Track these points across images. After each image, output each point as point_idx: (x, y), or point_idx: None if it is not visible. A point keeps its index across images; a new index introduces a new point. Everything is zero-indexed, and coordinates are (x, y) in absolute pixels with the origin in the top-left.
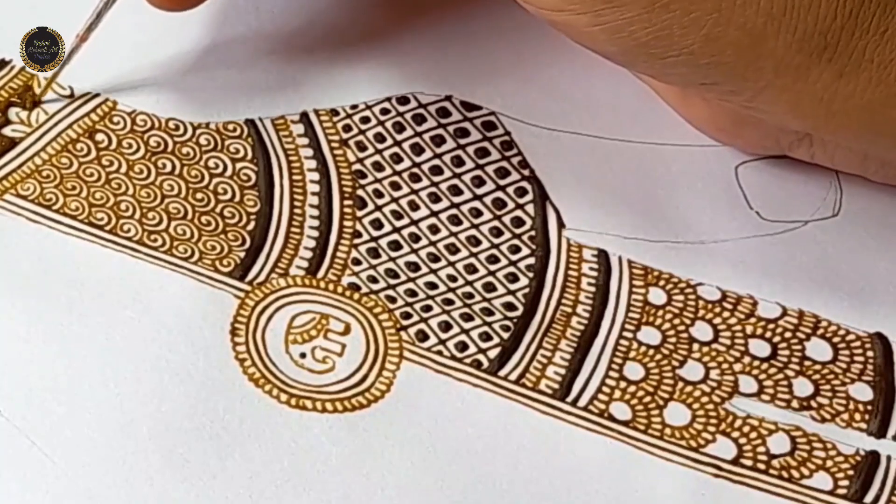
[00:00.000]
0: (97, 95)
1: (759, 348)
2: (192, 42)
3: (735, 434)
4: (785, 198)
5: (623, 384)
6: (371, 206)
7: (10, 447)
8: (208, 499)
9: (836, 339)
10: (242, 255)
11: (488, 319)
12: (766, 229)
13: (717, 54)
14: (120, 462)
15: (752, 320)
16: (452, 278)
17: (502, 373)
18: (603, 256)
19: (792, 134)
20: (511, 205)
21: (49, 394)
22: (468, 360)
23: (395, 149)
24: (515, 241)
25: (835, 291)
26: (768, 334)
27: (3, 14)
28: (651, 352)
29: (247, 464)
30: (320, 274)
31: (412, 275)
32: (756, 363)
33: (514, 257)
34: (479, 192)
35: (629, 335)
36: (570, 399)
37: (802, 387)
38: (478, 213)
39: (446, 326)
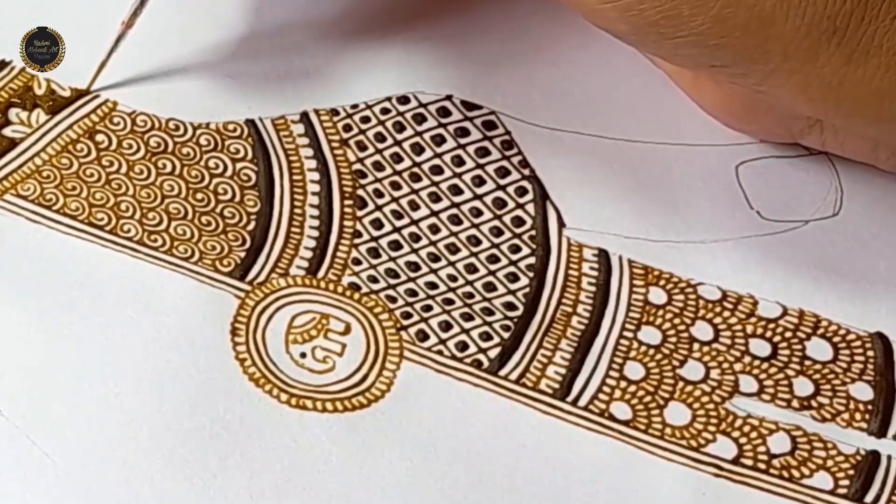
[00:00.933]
0: (97, 96)
1: (760, 348)
2: (192, 42)
3: (735, 434)
4: (785, 197)
5: (623, 384)
6: (371, 206)
7: (11, 447)
8: (208, 498)
9: (836, 339)
10: (243, 255)
11: (489, 319)
12: (766, 229)
13: (725, 35)
14: (120, 462)
15: (753, 320)
16: (453, 278)
17: (503, 372)
18: (603, 256)
19: (803, 120)
20: (511, 204)
21: (49, 393)
22: (468, 360)
23: (396, 148)
24: (516, 241)
25: (835, 291)
26: (769, 334)
27: (3, 14)
28: (651, 351)
29: (247, 463)
30: (320, 274)
31: (412, 274)
32: (756, 363)
33: (514, 257)
34: (480, 191)
35: (629, 335)
36: (570, 399)
37: (803, 386)
38: (478, 213)
39: (446, 326)
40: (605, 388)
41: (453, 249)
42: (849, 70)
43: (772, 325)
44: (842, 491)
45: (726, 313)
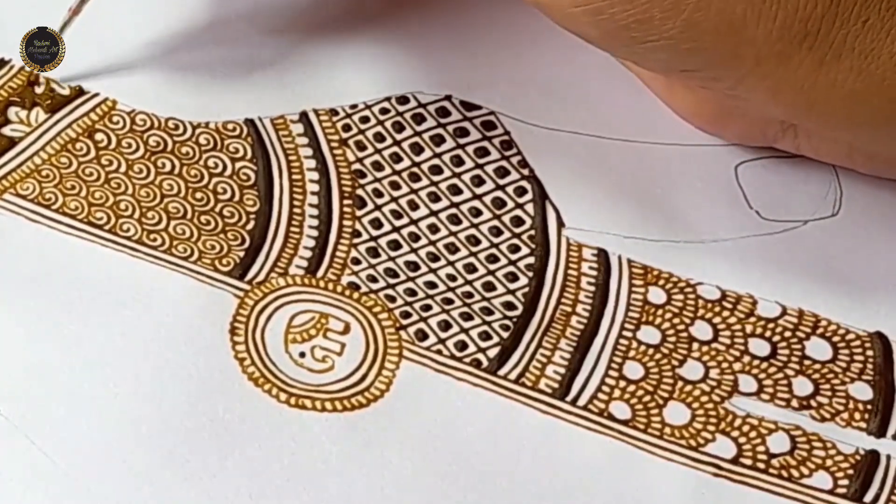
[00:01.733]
0: (96, 95)
1: (759, 347)
2: (191, 41)
3: (735, 433)
4: (785, 197)
5: (623, 383)
6: (371, 206)
7: (10, 447)
8: (208, 498)
9: (835, 339)
10: (242, 254)
11: (488, 319)
12: (765, 229)
13: (696, 40)
14: (119, 461)
15: (752, 319)
16: (452, 277)
17: (502, 372)
18: (602, 255)
19: (776, 124)
20: (511, 204)
21: (48, 393)
22: (468, 360)
23: (395, 148)
24: (515, 241)
25: (834, 290)
26: (768, 333)
27: (3, 14)
28: (651, 351)
29: (246, 463)
30: (320, 273)
31: (412, 274)
32: (756, 362)
33: (513, 256)
34: (479, 191)
35: (629, 334)
36: (569, 398)
37: (802, 386)
38: (477, 213)
39: (446, 326)
40: (605, 388)
41: (452, 249)
42: (821, 74)
43: (771, 325)
44: (841, 490)
45: (725, 313)
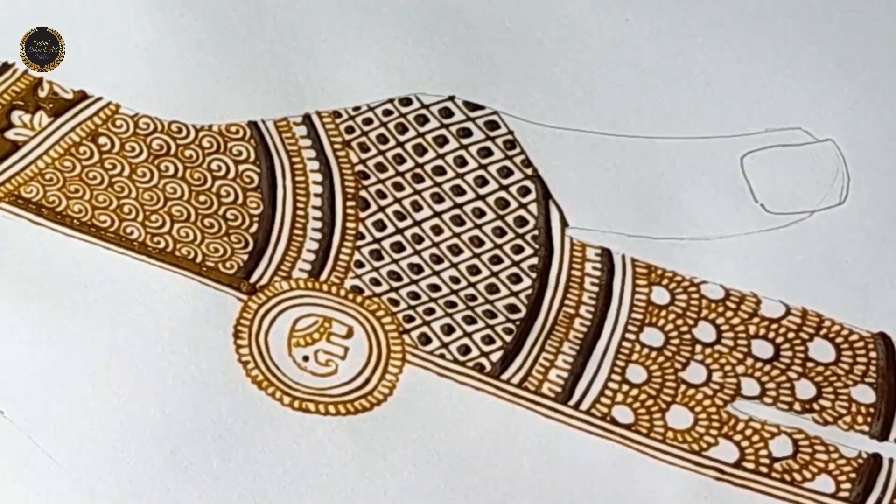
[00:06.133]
0: (100, 99)
1: (762, 349)
2: (195, 44)
3: (737, 437)
4: (791, 187)
5: (625, 387)
6: (374, 207)
7: (13, 448)
8: (211, 500)
9: (838, 340)
10: (245, 257)
11: (491, 322)
12: (771, 223)
13: None
14: (123, 463)
15: (756, 320)
16: (455, 280)
17: (505, 376)
18: (606, 255)
19: None
20: (514, 204)
21: (52, 395)
22: (471, 364)
23: (398, 150)
24: (518, 241)
25: (839, 286)
26: (771, 335)
27: (4, 14)
28: (654, 354)
29: (249, 465)
30: (323, 276)
31: (415, 277)
32: (759, 365)
33: (517, 257)
34: (482, 191)
35: (632, 336)
36: (572, 403)
37: (805, 389)
38: (481, 214)
39: (449, 329)
40: (608, 392)
41: (456, 251)
42: None
43: (774, 326)
44: (843, 494)
45: (729, 313)
